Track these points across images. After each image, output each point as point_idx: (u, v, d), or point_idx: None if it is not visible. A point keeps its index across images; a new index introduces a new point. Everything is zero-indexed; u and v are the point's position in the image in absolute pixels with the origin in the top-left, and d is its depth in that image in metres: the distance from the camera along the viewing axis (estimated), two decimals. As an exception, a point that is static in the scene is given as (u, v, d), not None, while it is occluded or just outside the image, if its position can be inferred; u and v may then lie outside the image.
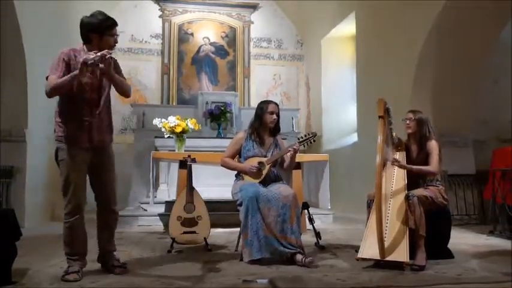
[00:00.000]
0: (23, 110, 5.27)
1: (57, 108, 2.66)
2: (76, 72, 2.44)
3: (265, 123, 3.42)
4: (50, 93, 2.54)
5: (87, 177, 2.75)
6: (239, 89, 8.97)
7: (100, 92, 2.66)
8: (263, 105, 3.46)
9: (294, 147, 3.27)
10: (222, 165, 3.49)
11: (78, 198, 2.61)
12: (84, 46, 2.63)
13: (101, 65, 2.47)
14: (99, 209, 2.82)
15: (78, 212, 2.62)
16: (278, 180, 3.40)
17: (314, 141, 3.38)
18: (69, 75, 2.48)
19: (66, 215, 2.62)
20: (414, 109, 3.42)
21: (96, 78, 2.62)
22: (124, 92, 2.72)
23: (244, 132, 3.55)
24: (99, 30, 2.59)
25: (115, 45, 2.69)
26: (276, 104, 3.48)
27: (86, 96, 2.60)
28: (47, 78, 2.57)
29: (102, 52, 2.45)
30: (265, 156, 3.37)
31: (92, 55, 2.43)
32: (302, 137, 3.38)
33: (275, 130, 3.50)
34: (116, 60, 2.70)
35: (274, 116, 3.42)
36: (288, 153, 3.33)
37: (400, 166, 3.19)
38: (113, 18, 2.67)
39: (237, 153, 3.50)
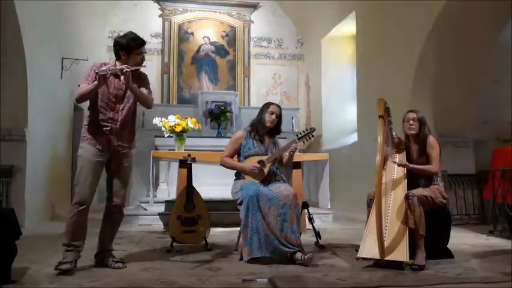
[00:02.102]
0: (23, 110, 5.25)
1: (87, 113, 2.96)
2: (96, 82, 2.76)
3: (263, 122, 3.43)
4: (76, 99, 2.87)
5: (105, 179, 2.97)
6: (239, 88, 8.97)
7: (123, 101, 2.92)
8: (265, 105, 3.50)
9: (293, 144, 3.29)
10: (222, 165, 3.48)
11: (85, 191, 2.78)
12: (116, 62, 2.94)
13: (122, 78, 2.76)
14: (109, 208, 2.98)
15: (83, 204, 2.77)
16: (277, 177, 3.40)
17: (313, 136, 3.38)
18: (91, 85, 2.80)
19: (73, 205, 2.79)
20: (412, 109, 3.39)
21: (122, 89, 2.90)
22: (144, 103, 2.97)
23: (243, 131, 3.54)
24: (127, 49, 2.89)
25: (142, 62, 2.97)
26: (278, 106, 3.49)
27: (110, 105, 2.89)
28: (79, 86, 2.89)
29: (121, 66, 2.77)
30: (266, 155, 3.37)
31: (104, 68, 2.77)
32: (301, 133, 3.39)
33: (274, 132, 3.50)
34: (146, 75, 3.03)
35: (274, 117, 3.42)
36: (288, 150, 3.33)
37: (404, 166, 3.17)
38: (141, 39, 2.95)
39: (236, 153, 3.50)
